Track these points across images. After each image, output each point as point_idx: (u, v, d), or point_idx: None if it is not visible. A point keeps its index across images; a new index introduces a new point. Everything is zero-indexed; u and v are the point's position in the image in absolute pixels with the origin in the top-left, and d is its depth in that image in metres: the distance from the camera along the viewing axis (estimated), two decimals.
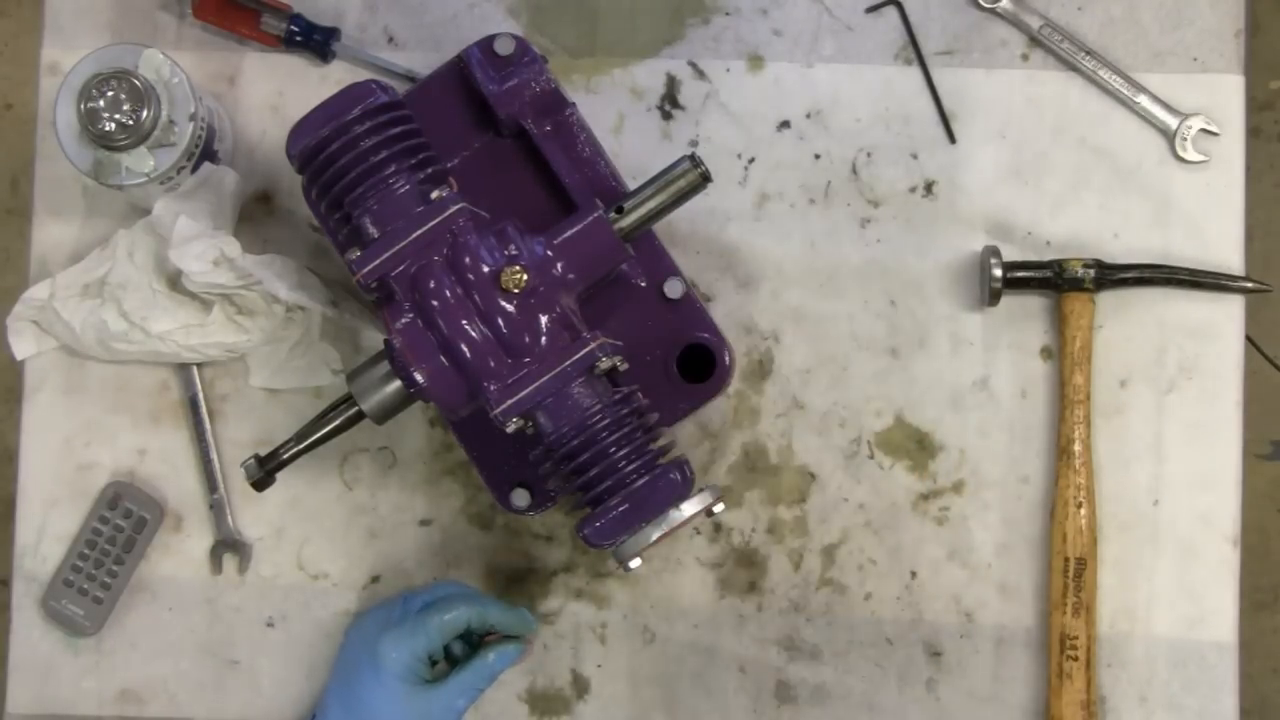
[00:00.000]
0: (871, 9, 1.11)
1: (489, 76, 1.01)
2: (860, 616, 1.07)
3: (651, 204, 0.95)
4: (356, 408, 0.94)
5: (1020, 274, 1.05)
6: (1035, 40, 1.09)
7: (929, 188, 1.09)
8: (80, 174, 0.99)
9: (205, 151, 1.03)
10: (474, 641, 1.01)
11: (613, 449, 0.89)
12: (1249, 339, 1.09)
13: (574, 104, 1.02)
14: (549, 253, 0.92)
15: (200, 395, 1.09)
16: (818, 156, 1.10)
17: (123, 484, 1.08)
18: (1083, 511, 1.04)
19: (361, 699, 0.97)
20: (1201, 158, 1.08)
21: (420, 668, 0.97)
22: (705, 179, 0.94)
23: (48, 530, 1.08)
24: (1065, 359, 1.06)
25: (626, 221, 0.94)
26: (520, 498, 1.02)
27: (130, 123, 0.97)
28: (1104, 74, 1.08)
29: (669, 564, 1.08)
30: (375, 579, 1.09)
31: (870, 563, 1.07)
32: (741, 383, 1.08)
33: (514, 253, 0.90)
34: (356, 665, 0.98)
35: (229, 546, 1.08)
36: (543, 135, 1.01)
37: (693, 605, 1.07)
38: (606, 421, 0.89)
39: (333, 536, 1.09)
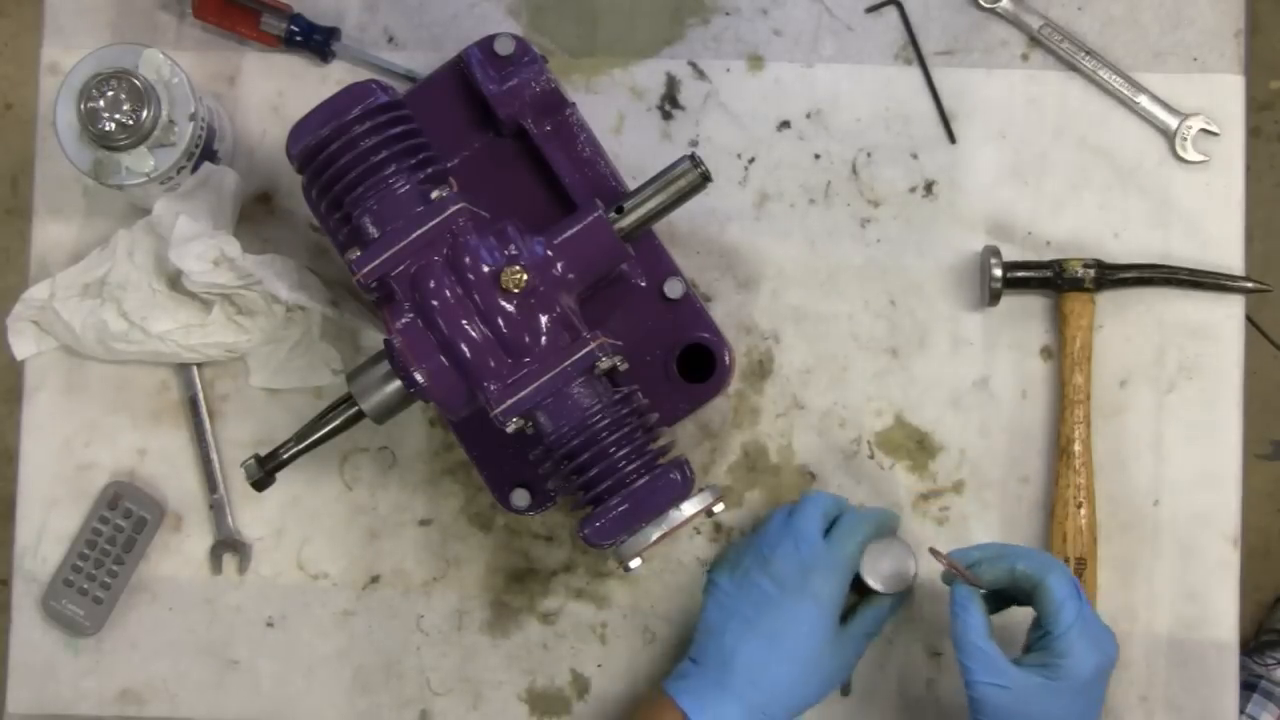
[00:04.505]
0: (871, 9, 1.10)
1: (489, 76, 1.01)
2: None
3: (651, 204, 0.95)
4: (356, 408, 0.94)
5: (1020, 274, 1.05)
6: (1035, 40, 1.09)
7: (929, 188, 1.09)
8: (80, 174, 0.99)
9: (205, 151, 1.03)
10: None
11: (613, 449, 0.89)
12: (1249, 319, 1.08)
13: (574, 104, 1.02)
14: (549, 253, 0.92)
15: (200, 395, 1.09)
16: (818, 156, 1.10)
17: (123, 484, 1.08)
18: (1083, 511, 1.04)
19: (786, 634, 0.97)
20: (1201, 158, 1.08)
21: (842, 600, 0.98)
22: (705, 179, 0.94)
23: (48, 530, 1.08)
24: (1065, 359, 1.06)
25: (626, 221, 0.94)
26: (520, 498, 1.02)
27: (130, 123, 0.97)
28: (1104, 74, 1.08)
29: (669, 564, 1.08)
30: (375, 579, 1.09)
31: None
32: (741, 383, 1.08)
33: (514, 253, 0.90)
34: (772, 603, 0.97)
35: (229, 546, 1.08)
36: (543, 135, 1.01)
37: (693, 605, 1.07)
38: (606, 421, 0.89)
39: (333, 536, 1.09)
